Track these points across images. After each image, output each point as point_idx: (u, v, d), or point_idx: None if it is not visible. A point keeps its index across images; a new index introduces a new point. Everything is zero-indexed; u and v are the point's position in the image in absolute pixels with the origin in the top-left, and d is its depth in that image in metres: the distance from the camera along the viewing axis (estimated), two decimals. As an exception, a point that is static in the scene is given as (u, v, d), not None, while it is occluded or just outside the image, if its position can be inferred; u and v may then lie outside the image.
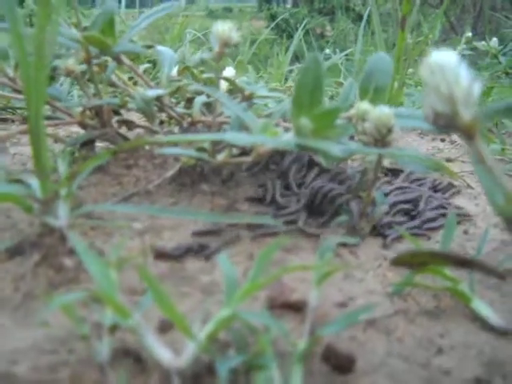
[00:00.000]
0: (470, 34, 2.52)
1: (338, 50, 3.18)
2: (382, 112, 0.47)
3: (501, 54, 2.23)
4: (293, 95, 0.45)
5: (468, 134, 0.29)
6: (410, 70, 2.54)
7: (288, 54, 1.90)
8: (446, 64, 0.29)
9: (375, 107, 0.48)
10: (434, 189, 0.73)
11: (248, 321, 0.36)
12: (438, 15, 2.61)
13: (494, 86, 1.85)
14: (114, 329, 0.37)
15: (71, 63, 0.66)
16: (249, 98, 0.75)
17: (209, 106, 0.87)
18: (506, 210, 0.30)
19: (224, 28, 0.54)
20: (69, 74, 0.67)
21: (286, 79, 2.10)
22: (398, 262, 0.36)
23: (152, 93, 0.64)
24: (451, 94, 0.29)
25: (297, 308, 0.43)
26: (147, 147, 0.76)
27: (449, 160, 0.95)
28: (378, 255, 0.55)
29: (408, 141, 1.14)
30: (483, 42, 2.26)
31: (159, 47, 0.78)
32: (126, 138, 0.76)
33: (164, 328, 0.39)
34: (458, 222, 0.65)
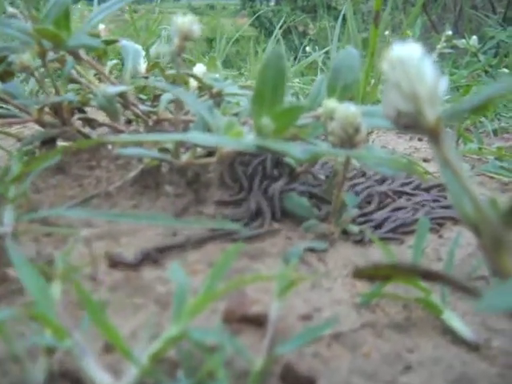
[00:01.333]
0: (450, 33, 2.51)
1: (317, 48, 3.15)
2: (348, 111, 0.44)
3: (480, 52, 2.23)
4: (253, 92, 0.42)
5: (433, 134, 0.26)
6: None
7: (267, 51, 1.87)
8: (409, 58, 0.26)
9: (342, 105, 0.45)
10: (418, 188, 0.71)
11: (199, 338, 0.33)
12: (415, 11, 2.60)
13: (472, 83, 1.84)
14: (51, 350, 0.33)
15: (26, 58, 0.62)
16: (217, 96, 0.71)
17: (178, 104, 0.83)
18: (473, 218, 0.27)
19: (184, 21, 0.51)
20: (24, 69, 0.63)
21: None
22: (359, 274, 0.33)
23: (112, 90, 0.60)
24: (414, 92, 0.26)
25: (257, 322, 0.40)
26: (110, 147, 0.72)
27: (425, 160, 0.93)
28: (348, 262, 0.52)
29: (385, 140, 1.12)
30: (463, 40, 2.26)
31: (123, 41, 0.74)
32: (87, 137, 0.72)
33: (109, 348, 0.36)
34: (439, 225, 0.62)
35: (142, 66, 0.96)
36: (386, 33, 2.62)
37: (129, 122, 0.86)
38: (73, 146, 0.59)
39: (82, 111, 0.80)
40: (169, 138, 0.53)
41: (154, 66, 0.95)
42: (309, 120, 0.51)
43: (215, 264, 0.37)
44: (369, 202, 0.64)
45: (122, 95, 0.69)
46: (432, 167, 0.89)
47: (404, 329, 0.41)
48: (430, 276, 0.29)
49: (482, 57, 2.15)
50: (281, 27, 2.64)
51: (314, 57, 2.22)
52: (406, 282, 0.44)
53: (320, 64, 2.26)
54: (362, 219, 0.60)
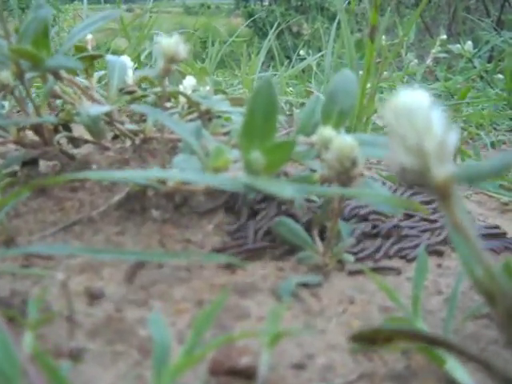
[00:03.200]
0: (444, 37, 2.49)
1: (311, 52, 3.13)
2: (345, 143, 0.41)
3: (475, 57, 2.21)
4: (242, 124, 0.39)
5: (441, 194, 0.23)
6: (385, 74, 2.51)
7: (259, 56, 1.84)
8: (416, 108, 0.23)
9: (338, 134, 0.42)
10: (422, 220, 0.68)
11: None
12: (412, 17, 2.58)
13: (467, 89, 1.82)
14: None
15: (4, 76, 0.59)
16: (206, 114, 0.68)
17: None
18: (486, 286, 0.24)
19: (169, 42, 0.47)
20: (2, 88, 0.59)
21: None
22: (357, 338, 0.30)
23: (95, 111, 0.57)
24: (421, 146, 0.23)
25: (247, 374, 0.37)
26: (94, 166, 0.69)
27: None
28: (343, 297, 0.49)
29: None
30: (458, 46, 2.24)
31: (108, 56, 0.71)
32: (71, 157, 0.69)
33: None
34: (438, 253, 0.60)
35: (131, 78, 0.93)
36: (382, 37, 2.60)
37: (116, 137, 0.82)
38: (36, 184, 0.55)
39: (67, 127, 0.76)
40: (146, 176, 0.50)
41: (142, 79, 0.92)
42: (303, 147, 0.48)
43: (197, 320, 0.34)
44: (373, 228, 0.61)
45: (107, 113, 0.66)
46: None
47: (404, 380, 0.38)
48: (435, 343, 0.26)
49: (476, 62, 2.13)
50: (275, 27, 2.61)
51: (308, 61, 2.19)
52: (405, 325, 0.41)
53: (314, 68, 2.23)
54: (359, 246, 0.57)
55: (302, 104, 1.34)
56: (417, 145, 0.23)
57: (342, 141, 0.41)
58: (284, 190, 0.33)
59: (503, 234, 0.65)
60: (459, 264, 0.57)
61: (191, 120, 0.71)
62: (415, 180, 0.24)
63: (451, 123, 0.24)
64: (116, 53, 1.74)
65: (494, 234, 0.64)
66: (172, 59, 0.48)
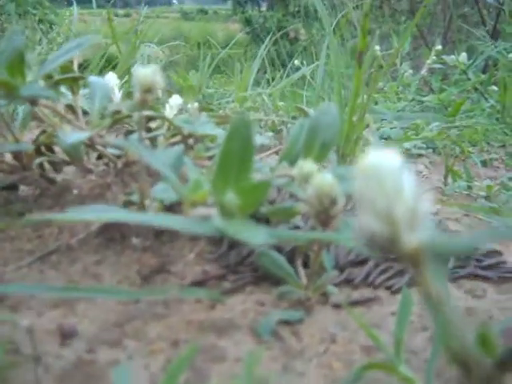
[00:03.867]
0: (439, 47, 2.49)
1: (305, 62, 3.13)
2: (324, 180, 0.40)
3: (470, 68, 2.20)
4: (217, 164, 0.37)
5: (412, 262, 0.22)
6: (380, 84, 2.50)
7: (253, 67, 1.83)
8: (385, 170, 0.22)
9: (319, 170, 0.41)
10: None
11: None
12: (408, 28, 2.57)
13: (462, 101, 1.81)
14: None
15: (-20, 101, 0.57)
16: (189, 138, 0.67)
17: (153, 141, 0.79)
18: (460, 356, 0.23)
19: (146, 73, 0.46)
20: (-21, 113, 0.58)
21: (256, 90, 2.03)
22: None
23: (72, 138, 0.55)
24: (391, 212, 0.22)
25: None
26: (75, 191, 0.68)
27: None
28: (325, 335, 0.48)
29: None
30: (452, 57, 2.23)
31: (90, 77, 0.70)
32: (51, 181, 0.67)
33: None
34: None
35: (117, 96, 0.91)
36: (377, 47, 2.60)
37: (100, 156, 0.81)
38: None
39: (50, 148, 0.75)
40: (105, 218, 0.48)
41: (129, 95, 0.91)
42: (284, 180, 0.46)
43: (167, 373, 0.32)
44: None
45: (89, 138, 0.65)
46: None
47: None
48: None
49: (471, 73, 2.12)
50: (271, 33, 2.60)
51: (302, 72, 2.18)
52: (387, 370, 0.40)
53: (309, 77, 2.22)
54: (345, 275, 0.56)
55: (294, 118, 1.32)
56: (386, 210, 0.22)
57: (322, 179, 0.40)
58: (255, 237, 0.31)
59: (503, 263, 0.63)
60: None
61: (175, 143, 0.69)
62: (385, 247, 0.22)
63: (420, 189, 0.22)
64: (111, 60, 1.72)
65: (493, 264, 0.63)
66: (148, 90, 0.46)
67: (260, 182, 0.36)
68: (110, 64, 1.67)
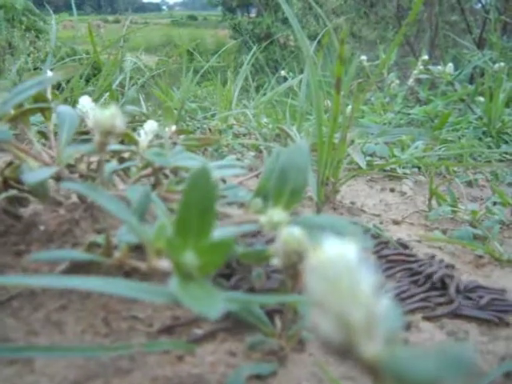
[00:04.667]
0: (426, 57, 2.48)
1: (295, 69, 3.12)
2: (291, 235, 0.37)
3: (457, 79, 2.19)
4: (175, 220, 0.35)
5: (371, 371, 0.19)
6: (367, 95, 2.49)
7: (236, 82, 1.81)
8: (341, 267, 0.20)
9: (288, 219, 0.38)
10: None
11: None
12: (395, 38, 2.55)
13: (449, 113, 1.80)
14: None
15: None
16: (160, 170, 0.64)
17: (126, 172, 0.76)
18: None
19: (105, 115, 0.43)
20: None
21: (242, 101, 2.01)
22: None
23: (36, 177, 0.52)
24: (346, 316, 0.19)
25: None
26: (42, 227, 0.65)
27: (396, 222, 0.87)
28: (298, 390, 0.45)
29: (356, 191, 1.06)
30: (439, 67, 2.22)
31: (59, 107, 0.67)
32: (16, 217, 0.64)
33: None
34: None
35: (91, 121, 0.88)
36: (363, 58, 2.59)
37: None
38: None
39: (17, 181, 0.72)
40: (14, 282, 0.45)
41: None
42: (252, 227, 0.44)
43: None
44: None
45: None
46: (404, 231, 0.83)
47: None
48: None
49: (457, 85, 2.11)
50: (260, 40, 2.58)
51: (289, 84, 2.16)
52: None
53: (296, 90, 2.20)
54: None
55: (278, 136, 1.30)
56: (340, 314, 0.19)
57: (288, 234, 0.37)
58: (210, 309, 0.29)
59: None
60: (429, 339, 0.54)
61: (147, 175, 0.67)
62: (341, 352, 0.20)
63: (383, 286, 0.20)
64: (101, 68, 1.69)
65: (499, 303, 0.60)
66: (108, 133, 0.44)
67: (222, 240, 0.34)
68: (99, 72, 1.65)
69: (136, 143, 0.81)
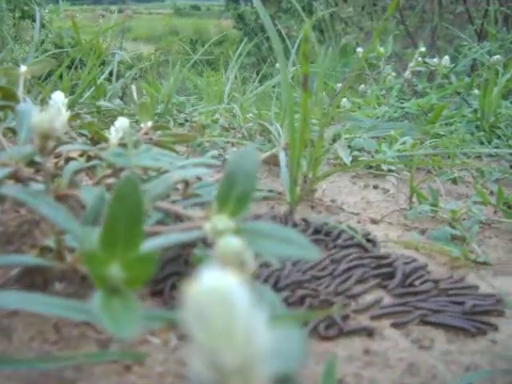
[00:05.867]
0: (423, 49, 2.44)
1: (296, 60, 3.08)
2: (229, 247, 0.35)
3: (452, 72, 2.16)
4: (101, 232, 0.33)
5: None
6: (362, 87, 2.46)
7: (227, 74, 1.78)
8: (216, 302, 0.18)
9: (223, 239, 0.36)
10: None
11: None
12: (374, 35, 2.53)
13: (443, 107, 1.77)
14: None
15: None
16: (121, 171, 0.63)
17: (93, 170, 0.74)
18: None
19: (43, 118, 0.42)
20: None
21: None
22: None
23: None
24: (219, 360, 0.17)
25: None
26: (1, 228, 0.63)
27: (374, 221, 0.85)
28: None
29: (338, 187, 1.04)
30: (435, 59, 2.19)
31: (19, 105, 0.65)
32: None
33: None
34: (369, 332, 0.54)
35: (63, 117, 0.87)
36: (359, 49, 2.55)
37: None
38: None
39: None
40: None
41: (74, 117, 0.86)
42: (195, 235, 0.42)
43: None
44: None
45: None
46: (382, 231, 0.81)
47: None
48: None
49: (453, 77, 2.08)
50: (263, 30, 2.56)
51: (276, 81, 2.13)
52: None
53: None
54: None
55: (263, 131, 1.28)
56: (213, 357, 0.17)
57: (226, 245, 0.35)
58: (122, 329, 0.27)
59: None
60: (392, 348, 0.52)
61: (109, 176, 0.65)
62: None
63: (267, 323, 0.18)
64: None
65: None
66: (46, 136, 0.42)
67: (147, 254, 0.32)
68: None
69: (106, 140, 0.79)
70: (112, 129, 0.78)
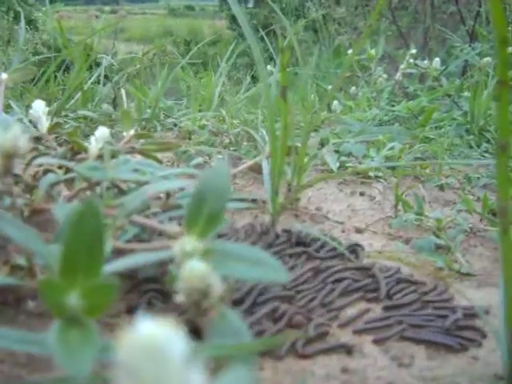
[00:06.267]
0: (414, 51, 2.43)
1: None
2: (193, 272, 0.34)
3: (443, 74, 2.15)
4: (59, 259, 0.32)
5: None
6: (353, 89, 2.45)
7: (217, 78, 1.77)
8: (147, 353, 0.17)
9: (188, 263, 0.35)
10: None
11: None
12: (359, 42, 2.52)
13: (433, 110, 1.77)
14: None
15: None
16: (96, 185, 0.61)
17: (71, 182, 0.73)
18: None
19: (6, 137, 0.40)
20: None
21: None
22: None
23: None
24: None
25: None
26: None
27: (358, 230, 0.84)
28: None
29: (324, 194, 1.03)
30: (425, 62, 2.18)
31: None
32: None
33: None
34: (348, 350, 0.53)
35: (43, 126, 0.86)
36: (350, 50, 2.55)
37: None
38: None
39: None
40: None
41: (55, 126, 0.85)
42: (164, 255, 0.41)
43: None
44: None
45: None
46: (366, 240, 0.80)
47: None
48: None
49: (444, 80, 2.08)
50: (258, 31, 2.54)
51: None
52: None
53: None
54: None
55: (251, 137, 1.27)
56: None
57: (191, 269, 0.34)
58: (76, 366, 0.26)
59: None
60: (371, 365, 0.51)
61: (85, 189, 0.64)
62: None
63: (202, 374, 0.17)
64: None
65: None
66: (11, 155, 0.41)
67: (107, 283, 0.31)
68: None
69: (86, 150, 0.78)
70: (92, 139, 0.77)
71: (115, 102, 1.89)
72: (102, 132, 0.78)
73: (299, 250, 0.70)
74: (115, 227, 0.53)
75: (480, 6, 3.13)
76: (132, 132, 0.90)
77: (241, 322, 0.35)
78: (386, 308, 0.61)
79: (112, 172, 0.61)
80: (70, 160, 0.79)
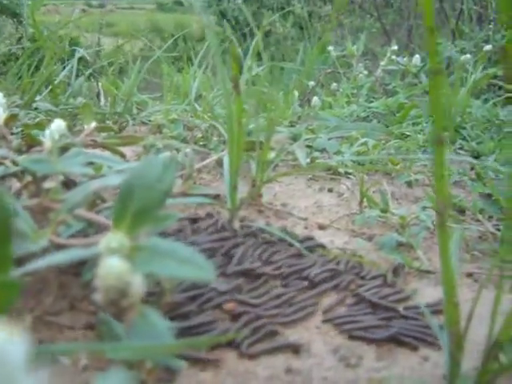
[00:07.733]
0: (395, 47, 2.43)
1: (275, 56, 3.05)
2: (110, 268, 0.32)
3: (423, 71, 2.15)
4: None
5: None
6: (334, 85, 2.44)
7: (196, 72, 1.75)
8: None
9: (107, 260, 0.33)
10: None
11: None
12: (319, 43, 2.52)
13: (411, 107, 1.77)
14: None
15: None
16: (43, 180, 0.59)
17: (22, 175, 0.71)
18: None
19: None
20: None
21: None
22: None
23: None
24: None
25: None
26: None
27: (321, 227, 0.82)
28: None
29: (293, 190, 1.01)
30: (405, 59, 2.18)
31: None
32: None
33: None
34: (291, 348, 0.52)
35: (1, 117, 0.83)
36: (330, 48, 2.54)
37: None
38: None
39: None
40: None
41: (11, 118, 0.83)
42: (91, 252, 0.39)
43: None
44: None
45: None
46: (328, 237, 0.79)
47: None
48: None
49: (423, 77, 2.07)
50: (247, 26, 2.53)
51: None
52: None
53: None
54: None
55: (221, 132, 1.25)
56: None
57: (107, 267, 0.33)
58: None
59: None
60: (316, 365, 0.50)
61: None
62: None
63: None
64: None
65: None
66: None
67: (10, 281, 0.29)
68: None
69: (40, 143, 0.76)
70: (46, 132, 0.75)
71: (99, 97, 1.86)
72: (58, 125, 0.75)
73: (256, 245, 0.68)
74: (56, 222, 0.51)
75: (463, 4, 3.13)
76: (93, 125, 0.88)
77: (163, 323, 0.33)
78: (338, 305, 0.60)
79: (61, 165, 0.59)
80: (25, 153, 0.77)
